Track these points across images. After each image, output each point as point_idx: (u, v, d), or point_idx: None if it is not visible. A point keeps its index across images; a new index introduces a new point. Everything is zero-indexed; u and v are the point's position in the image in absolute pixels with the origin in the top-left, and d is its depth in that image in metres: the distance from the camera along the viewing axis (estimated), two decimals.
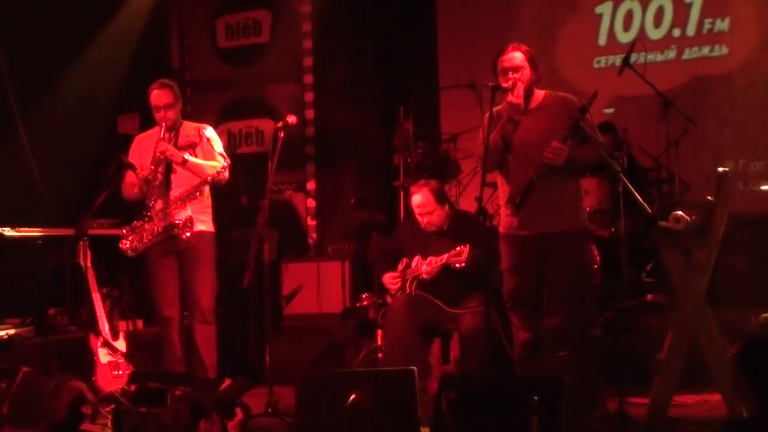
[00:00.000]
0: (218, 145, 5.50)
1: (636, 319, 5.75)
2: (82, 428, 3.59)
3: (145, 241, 5.39)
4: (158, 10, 8.00)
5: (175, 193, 5.40)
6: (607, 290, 5.43)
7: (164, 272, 5.45)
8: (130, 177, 5.44)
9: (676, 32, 7.31)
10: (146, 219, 5.39)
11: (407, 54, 8.00)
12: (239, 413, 4.52)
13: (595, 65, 7.55)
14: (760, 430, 2.80)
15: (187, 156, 5.37)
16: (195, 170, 5.39)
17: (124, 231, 5.45)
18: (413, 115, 6.70)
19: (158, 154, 5.37)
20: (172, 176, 5.43)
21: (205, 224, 5.47)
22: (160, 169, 5.41)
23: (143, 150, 5.53)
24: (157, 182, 5.40)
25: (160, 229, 5.35)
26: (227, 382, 4.73)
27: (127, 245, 5.41)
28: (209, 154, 5.46)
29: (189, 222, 5.27)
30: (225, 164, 5.38)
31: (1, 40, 6.72)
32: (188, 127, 5.58)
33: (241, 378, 4.67)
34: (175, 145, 5.44)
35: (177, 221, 5.29)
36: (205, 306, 5.44)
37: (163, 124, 5.45)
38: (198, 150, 5.48)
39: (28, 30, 7.01)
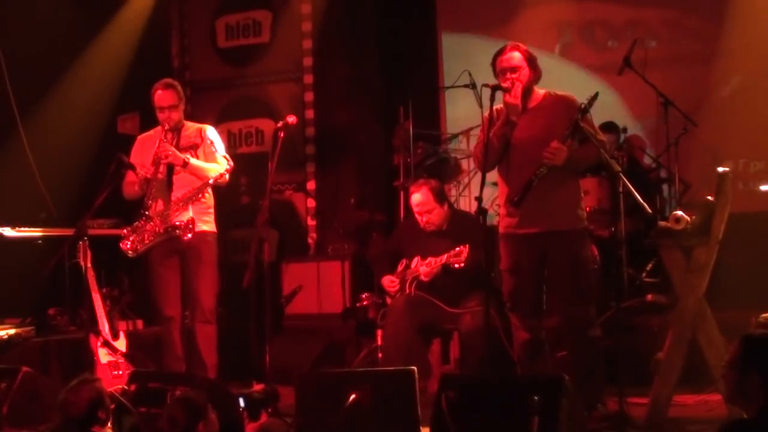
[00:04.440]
0: (220, 146, 5.50)
1: (636, 319, 5.75)
2: (92, 430, 3.60)
3: (146, 241, 5.39)
4: (158, 10, 8.00)
5: (176, 194, 5.39)
6: (607, 290, 5.43)
7: (166, 272, 5.45)
8: (130, 176, 5.44)
9: None
10: (146, 219, 5.39)
11: (407, 54, 8.00)
12: (264, 416, 4.56)
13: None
14: (760, 430, 2.80)
15: (188, 158, 5.37)
16: (196, 172, 5.39)
17: (125, 231, 5.45)
18: (413, 115, 6.69)
19: (160, 156, 5.37)
20: (174, 177, 5.43)
21: (207, 224, 5.47)
22: (160, 169, 5.41)
23: (145, 150, 5.52)
24: (157, 182, 5.41)
25: (161, 230, 5.35)
26: (260, 386, 4.77)
27: (128, 246, 5.41)
28: (210, 156, 5.46)
29: (190, 223, 5.26)
30: (228, 167, 5.37)
31: (1, 40, 6.72)
32: (190, 128, 5.58)
33: (271, 387, 4.74)
34: (177, 146, 5.44)
35: (178, 222, 5.28)
36: (206, 306, 5.44)
37: (166, 125, 5.46)
38: (199, 151, 5.48)
39: (28, 30, 7.01)
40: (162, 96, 5.46)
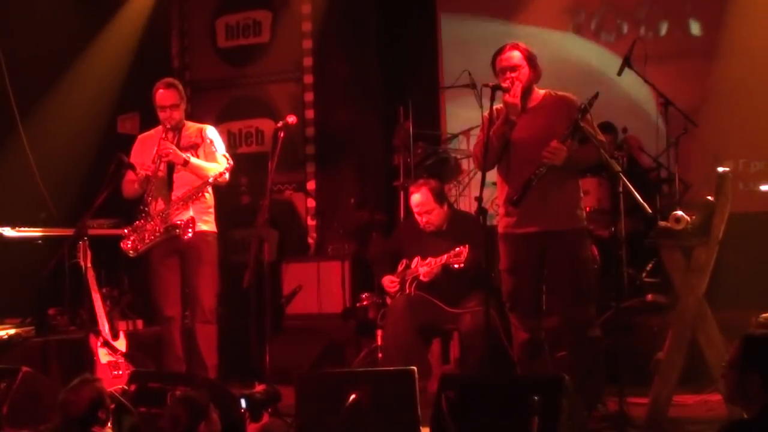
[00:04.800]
0: (221, 146, 5.51)
1: (636, 319, 5.75)
2: (92, 430, 3.60)
3: (147, 241, 5.39)
4: (158, 10, 8.00)
5: (177, 193, 5.40)
6: (607, 290, 5.43)
7: (166, 272, 5.46)
8: (129, 175, 5.44)
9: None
10: (146, 218, 5.39)
11: (407, 54, 8.00)
12: (266, 417, 4.57)
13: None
14: (761, 430, 2.80)
15: (189, 157, 5.37)
16: (196, 172, 5.39)
17: (126, 231, 5.46)
18: (413, 115, 6.69)
19: (161, 155, 5.37)
20: (174, 176, 5.44)
21: (207, 224, 5.47)
22: (160, 167, 5.42)
23: (145, 149, 5.53)
24: (158, 180, 5.41)
25: (161, 230, 5.35)
26: (261, 387, 4.78)
27: (129, 245, 5.42)
28: (211, 155, 5.47)
29: (191, 223, 5.26)
30: (227, 166, 5.37)
31: (1, 40, 6.72)
32: (191, 127, 5.59)
33: (273, 388, 4.74)
34: (178, 146, 5.44)
35: (178, 222, 5.29)
36: (206, 306, 5.44)
37: (167, 124, 5.46)
38: (200, 151, 5.49)
39: (28, 30, 7.01)
40: (163, 95, 5.47)
